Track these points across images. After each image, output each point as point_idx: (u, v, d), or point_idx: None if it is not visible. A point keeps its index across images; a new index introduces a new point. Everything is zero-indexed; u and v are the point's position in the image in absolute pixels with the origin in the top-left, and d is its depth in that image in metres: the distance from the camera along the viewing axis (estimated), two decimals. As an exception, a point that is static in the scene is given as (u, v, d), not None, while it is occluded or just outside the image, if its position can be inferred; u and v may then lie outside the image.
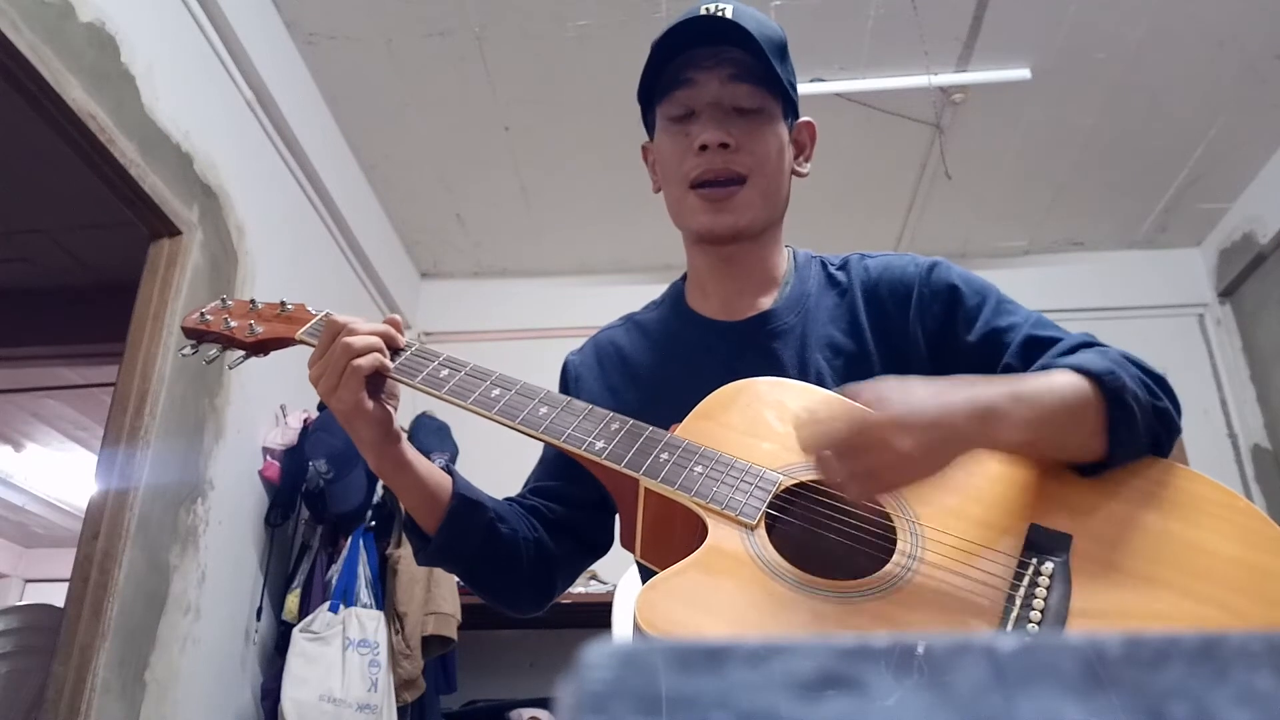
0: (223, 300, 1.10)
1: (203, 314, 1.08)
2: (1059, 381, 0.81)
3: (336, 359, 0.92)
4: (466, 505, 0.99)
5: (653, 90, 1.06)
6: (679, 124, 1.04)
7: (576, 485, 1.08)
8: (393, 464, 0.96)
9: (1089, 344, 0.93)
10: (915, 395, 0.74)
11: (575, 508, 1.09)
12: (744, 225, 1.03)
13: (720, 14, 1.00)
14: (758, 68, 1.01)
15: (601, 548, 1.13)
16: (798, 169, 1.10)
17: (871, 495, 0.78)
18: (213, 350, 1.08)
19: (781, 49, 1.05)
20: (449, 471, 1.01)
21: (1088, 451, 0.81)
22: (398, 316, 1.02)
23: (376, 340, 0.94)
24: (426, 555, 1.00)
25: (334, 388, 0.92)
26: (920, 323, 1.01)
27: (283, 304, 1.07)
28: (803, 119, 1.12)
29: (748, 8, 1.03)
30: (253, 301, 1.09)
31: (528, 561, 1.04)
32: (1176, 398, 0.87)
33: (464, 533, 0.99)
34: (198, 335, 1.08)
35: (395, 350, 0.98)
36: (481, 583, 1.05)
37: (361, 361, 0.92)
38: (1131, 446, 0.81)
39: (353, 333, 0.93)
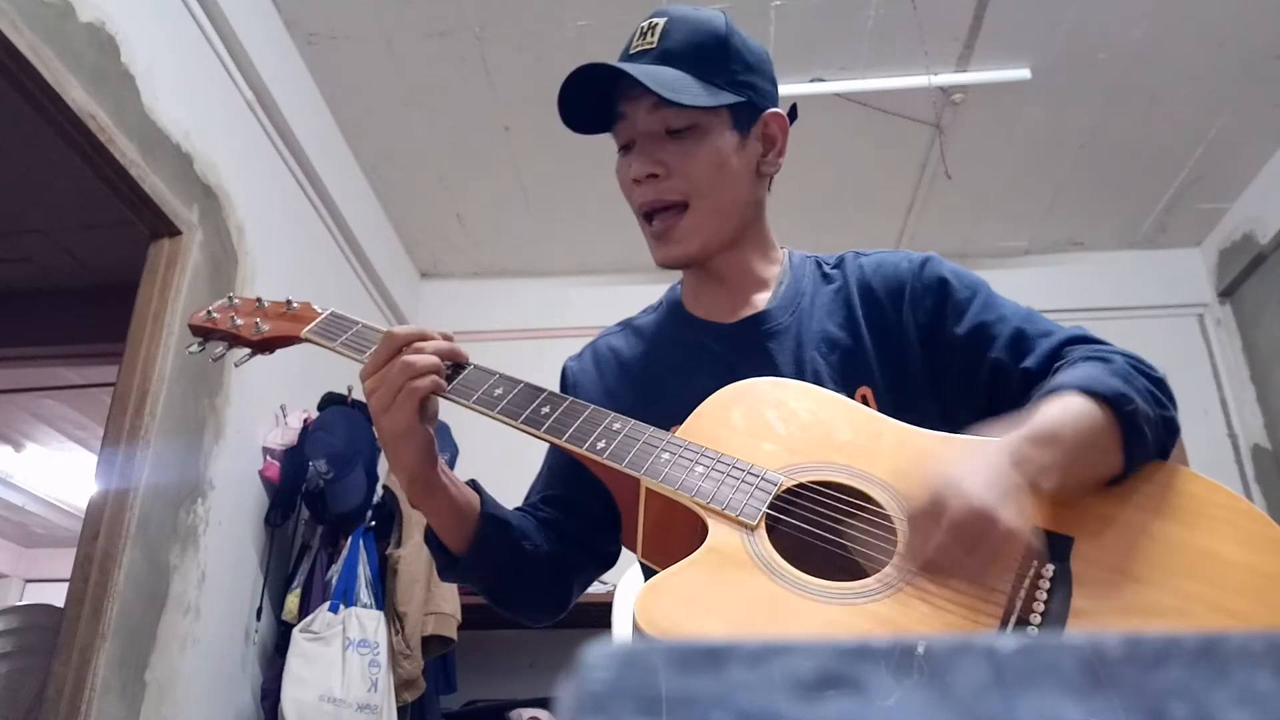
0: (229, 298, 1.11)
1: (209, 312, 1.09)
2: (1073, 413, 0.79)
3: (394, 377, 0.89)
4: (496, 526, 0.99)
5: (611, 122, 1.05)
6: (623, 156, 1.05)
7: (587, 495, 1.06)
8: (425, 487, 0.94)
9: (1081, 339, 0.93)
10: (967, 470, 0.73)
11: (588, 520, 1.08)
12: (694, 252, 1.03)
13: (637, 48, 1.01)
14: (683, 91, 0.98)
15: (612, 558, 1.12)
16: (765, 168, 1.06)
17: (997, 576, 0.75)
18: (219, 348, 1.08)
19: (717, 52, 1.01)
20: (475, 489, 1.00)
21: (1104, 473, 0.81)
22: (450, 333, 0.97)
23: (438, 361, 0.91)
24: (455, 574, 1.00)
25: (387, 406, 0.89)
26: (913, 316, 1.01)
27: (289, 302, 1.07)
28: (769, 111, 1.05)
29: (681, 11, 1.02)
30: (259, 300, 1.09)
31: (548, 575, 1.04)
32: (1175, 398, 0.87)
33: (492, 553, 0.98)
34: (204, 333, 1.09)
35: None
36: (504, 598, 1.05)
37: (420, 383, 0.89)
38: (1143, 461, 0.82)
39: (418, 350, 0.90)
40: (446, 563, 1.00)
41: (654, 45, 1.00)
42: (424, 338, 0.92)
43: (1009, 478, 0.73)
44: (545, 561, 1.03)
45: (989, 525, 0.69)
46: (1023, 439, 0.77)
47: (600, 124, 1.05)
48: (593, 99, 1.02)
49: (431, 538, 1.00)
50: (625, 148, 1.04)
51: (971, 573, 0.73)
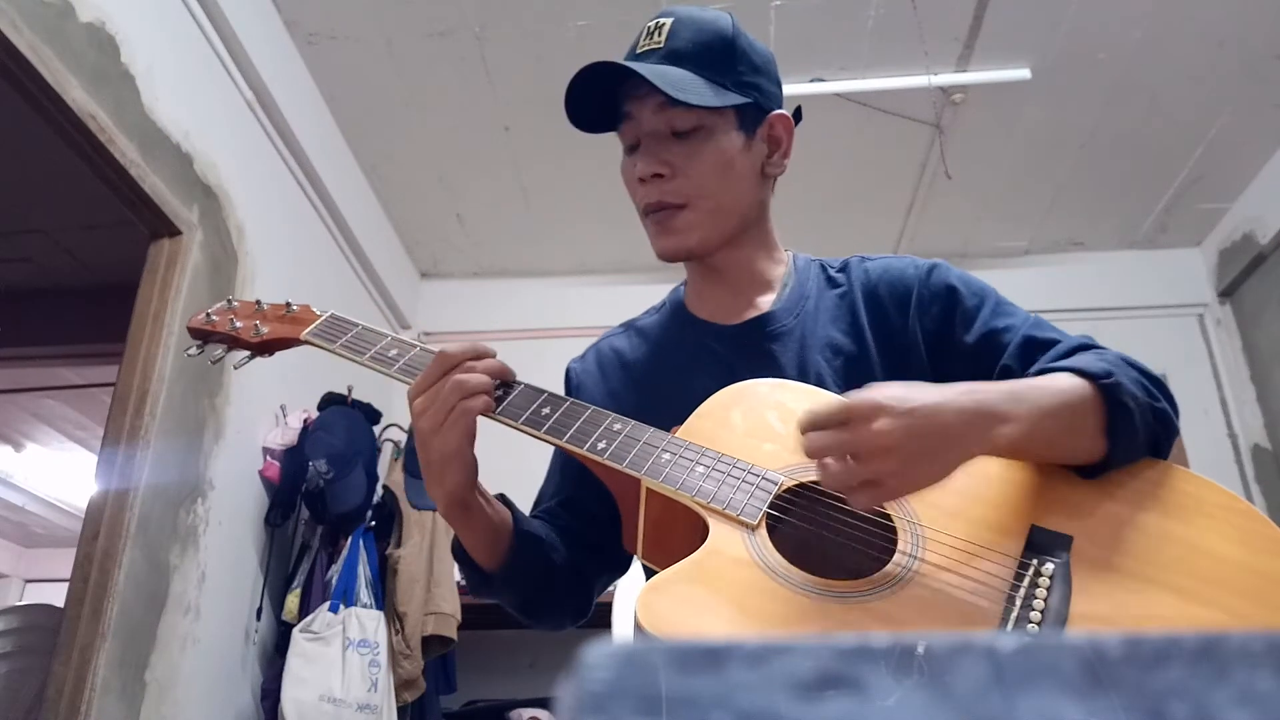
0: (229, 301, 1.11)
1: (209, 314, 1.09)
2: (1057, 383, 0.81)
3: (446, 396, 0.87)
4: (529, 542, 0.99)
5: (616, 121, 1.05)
6: (629, 156, 1.04)
7: (597, 498, 1.05)
8: (463, 508, 0.92)
9: (1087, 346, 0.93)
10: (911, 392, 0.74)
11: (600, 525, 1.07)
12: (693, 245, 1.02)
13: (644, 48, 1.00)
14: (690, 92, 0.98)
15: (628, 562, 1.12)
16: (770, 169, 1.06)
17: (877, 502, 0.76)
18: (218, 350, 1.08)
19: (724, 53, 1.01)
20: (506, 503, 1.00)
21: (1087, 452, 0.81)
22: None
23: (489, 381, 0.90)
24: (488, 591, 0.99)
25: (439, 426, 0.87)
26: (919, 324, 1.01)
27: (288, 305, 1.07)
28: (774, 113, 1.05)
29: (688, 11, 1.02)
30: (258, 302, 1.09)
31: (572, 583, 1.04)
32: (1174, 399, 0.87)
33: (526, 569, 0.99)
34: (204, 335, 1.09)
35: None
36: (534, 611, 1.04)
37: (473, 403, 0.88)
38: (1131, 447, 0.81)
39: (470, 369, 0.89)
40: (480, 580, 0.99)
41: (661, 45, 1.00)
42: (477, 355, 0.90)
43: (934, 411, 0.73)
44: (570, 572, 1.04)
45: (861, 429, 0.71)
46: (988, 384, 0.79)
47: (605, 123, 1.05)
48: (598, 98, 1.02)
49: (461, 555, 0.98)
50: (631, 148, 1.04)
51: (853, 497, 0.73)
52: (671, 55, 0.99)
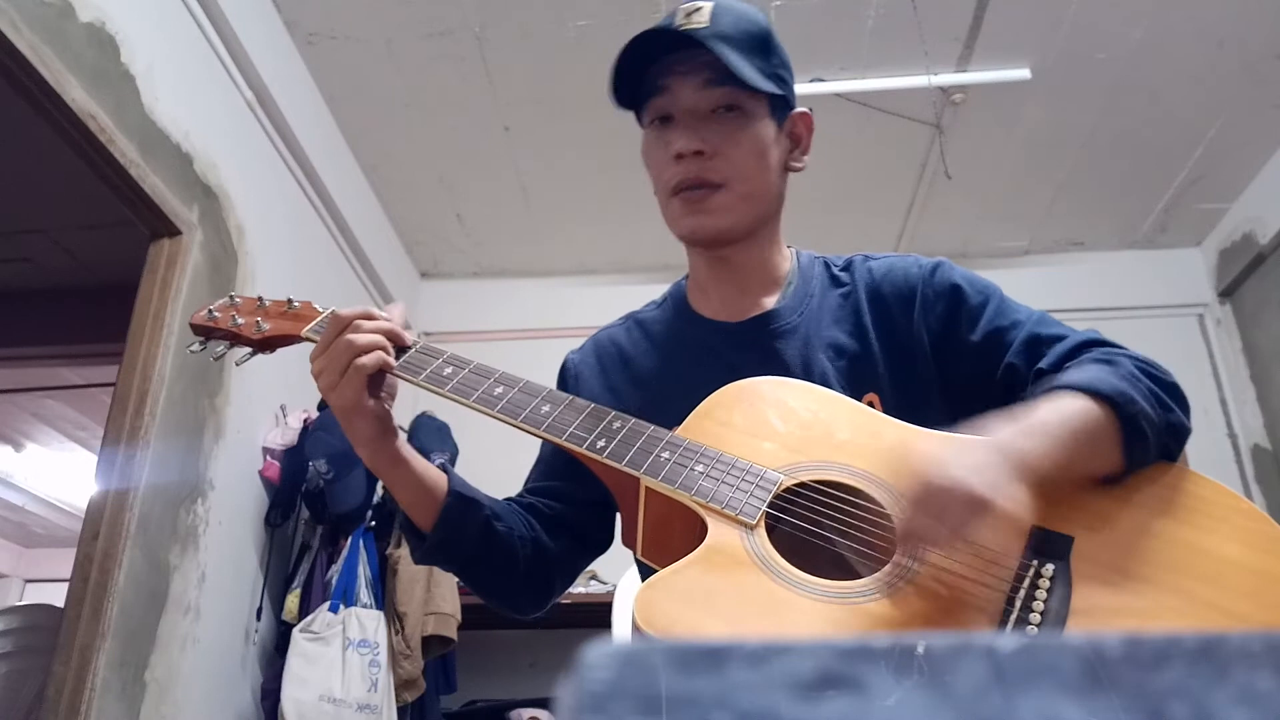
0: (230, 297, 1.11)
1: (211, 311, 1.09)
2: (1070, 410, 0.79)
3: (339, 355, 0.92)
4: (462, 502, 0.98)
5: (637, 95, 1.05)
6: (659, 131, 1.03)
7: (576, 483, 1.07)
8: (388, 460, 0.96)
9: (1094, 342, 0.93)
10: (958, 457, 0.74)
11: (574, 505, 1.08)
12: (725, 227, 1.02)
13: (687, 26, 0.99)
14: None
15: (600, 545, 1.12)
16: (793, 164, 1.08)
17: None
18: (220, 347, 1.08)
19: (763, 43, 1.02)
20: (445, 470, 1.01)
21: (1103, 472, 0.81)
22: (402, 304, 1.02)
23: (380, 338, 0.94)
24: (422, 553, 1.00)
25: (335, 384, 0.92)
26: (924, 323, 1.01)
27: (289, 301, 1.07)
28: (798, 110, 1.07)
29: (728, 1, 1.02)
30: (260, 299, 1.09)
31: (525, 560, 1.03)
32: (1186, 402, 0.87)
33: (459, 530, 0.98)
34: (205, 332, 1.09)
35: (401, 348, 0.98)
36: (479, 582, 1.04)
37: (365, 360, 0.91)
38: (1144, 462, 0.82)
39: (358, 329, 0.93)
40: (416, 542, 1.00)
41: (706, 25, 0.99)
42: (368, 317, 0.95)
43: (992, 458, 0.73)
44: (521, 545, 1.03)
45: (963, 495, 0.70)
46: (1012, 432, 0.77)
47: (629, 99, 1.05)
48: (628, 73, 1.02)
49: (403, 519, 1.01)
50: (655, 122, 1.03)
51: (952, 542, 0.73)
52: (719, 37, 0.98)
